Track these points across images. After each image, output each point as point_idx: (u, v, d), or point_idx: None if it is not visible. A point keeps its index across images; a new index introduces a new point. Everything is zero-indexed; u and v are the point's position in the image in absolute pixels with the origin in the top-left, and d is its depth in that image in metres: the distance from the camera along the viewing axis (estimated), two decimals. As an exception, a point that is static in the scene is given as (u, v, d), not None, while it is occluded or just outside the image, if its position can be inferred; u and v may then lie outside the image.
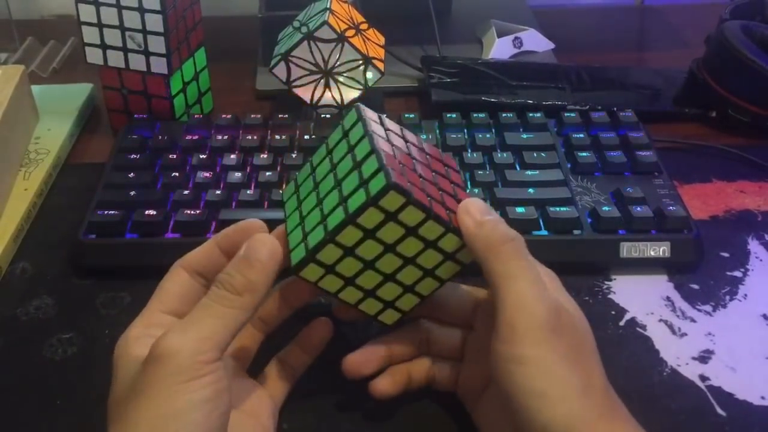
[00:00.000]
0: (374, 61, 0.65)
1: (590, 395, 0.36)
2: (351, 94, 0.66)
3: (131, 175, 0.58)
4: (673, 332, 0.50)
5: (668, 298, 0.53)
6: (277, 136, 0.62)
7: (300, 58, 0.64)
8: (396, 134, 0.42)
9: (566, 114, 0.64)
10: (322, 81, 0.66)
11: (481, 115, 0.64)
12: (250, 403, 0.41)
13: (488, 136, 0.62)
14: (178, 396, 0.34)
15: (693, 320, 0.51)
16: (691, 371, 0.48)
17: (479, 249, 0.38)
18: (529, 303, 0.36)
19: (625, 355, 0.48)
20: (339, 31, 0.63)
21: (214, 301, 0.36)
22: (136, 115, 0.66)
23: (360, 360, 0.43)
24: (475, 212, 0.39)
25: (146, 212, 0.54)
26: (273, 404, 0.42)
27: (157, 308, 0.39)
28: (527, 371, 0.35)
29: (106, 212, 0.55)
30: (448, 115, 0.64)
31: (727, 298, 0.53)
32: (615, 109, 0.65)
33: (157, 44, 0.63)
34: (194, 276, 0.40)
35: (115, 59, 0.65)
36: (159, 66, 0.64)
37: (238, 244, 0.40)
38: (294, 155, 0.60)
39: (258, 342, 0.44)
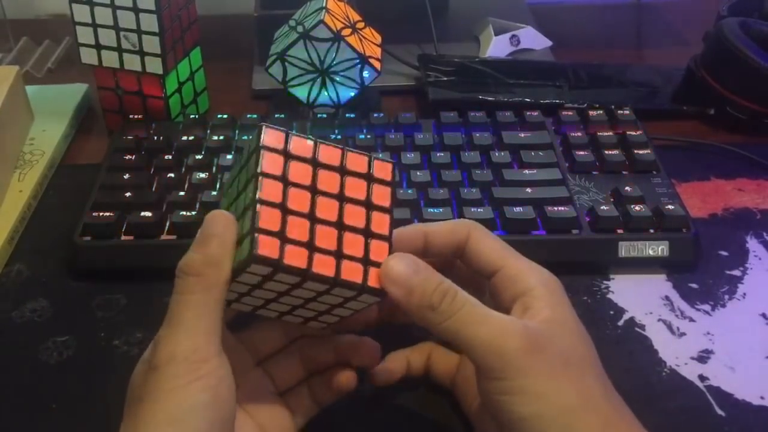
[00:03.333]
0: (371, 60, 0.64)
1: (589, 406, 0.36)
2: (347, 93, 0.66)
3: (126, 176, 0.58)
4: (672, 332, 0.50)
5: (667, 298, 0.53)
6: (274, 136, 0.62)
7: (296, 58, 0.64)
8: (302, 160, 0.37)
9: (564, 112, 0.64)
10: (319, 80, 0.65)
11: (479, 113, 0.64)
12: (267, 417, 0.41)
13: (486, 135, 0.62)
14: (178, 401, 0.33)
15: (692, 320, 0.51)
16: (690, 371, 0.47)
17: (418, 317, 0.37)
18: (494, 343, 0.35)
19: (624, 355, 0.48)
20: (335, 30, 0.62)
21: (180, 292, 0.35)
22: (131, 116, 0.66)
23: (387, 369, 0.43)
24: (398, 278, 0.36)
25: (142, 214, 0.54)
26: (292, 424, 0.42)
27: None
28: (517, 399, 0.35)
29: (101, 214, 0.54)
30: (446, 114, 0.64)
31: (726, 297, 0.53)
32: (613, 107, 0.65)
33: (152, 44, 0.62)
34: None
35: (110, 59, 0.64)
36: (154, 66, 0.63)
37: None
38: (290, 155, 0.60)
39: (312, 411, 0.43)
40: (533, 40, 0.80)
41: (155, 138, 0.62)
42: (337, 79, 0.65)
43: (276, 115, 0.64)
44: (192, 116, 0.64)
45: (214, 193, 0.56)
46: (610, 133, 0.62)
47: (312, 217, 0.36)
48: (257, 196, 0.35)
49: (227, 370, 0.35)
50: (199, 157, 0.60)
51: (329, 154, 0.37)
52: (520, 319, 0.37)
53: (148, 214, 0.54)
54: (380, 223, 0.37)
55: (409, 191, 0.56)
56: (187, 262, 0.36)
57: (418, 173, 0.58)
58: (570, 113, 0.64)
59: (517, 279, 0.39)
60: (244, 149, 0.39)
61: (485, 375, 0.36)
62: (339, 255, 0.36)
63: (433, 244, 0.41)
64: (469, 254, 0.41)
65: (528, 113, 0.64)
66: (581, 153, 0.60)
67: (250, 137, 0.38)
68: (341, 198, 0.37)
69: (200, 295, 0.35)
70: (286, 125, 0.63)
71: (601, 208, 0.54)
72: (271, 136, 0.37)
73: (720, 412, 0.45)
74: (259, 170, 0.35)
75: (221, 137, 0.62)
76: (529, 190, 0.56)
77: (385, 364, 0.44)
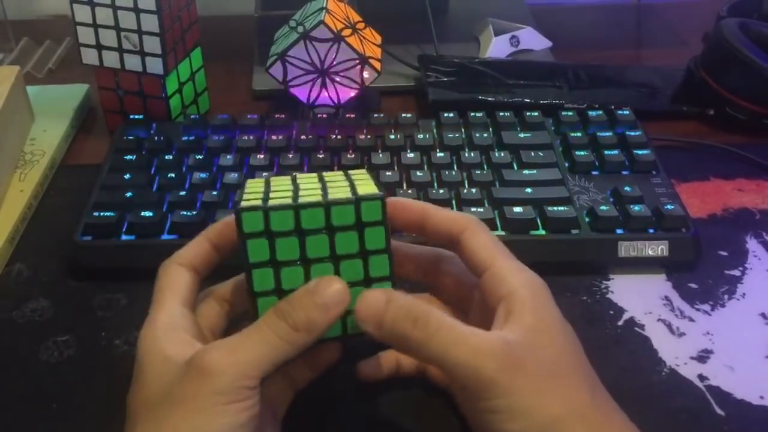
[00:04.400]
0: (371, 61, 0.65)
1: (575, 416, 0.35)
2: (348, 93, 0.66)
3: (127, 176, 0.58)
4: (672, 332, 0.50)
5: (667, 298, 0.53)
6: (274, 136, 0.62)
7: (296, 58, 0.64)
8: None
9: (564, 113, 0.64)
10: (319, 80, 0.66)
11: (479, 114, 0.64)
12: (263, 420, 0.41)
13: (485, 135, 0.62)
14: (216, 417, 0.34)
15: (691, 319, 0.51)
16: (689, 371, 0.47)
17: (395, 346, 0.37)
18: (471, 366, 0.35)
19: (624, 354, 0.48)
20: (335, 31, 0.63)
21: (269, 327, 0.36)
22: (131, 116, 0.66)
23: (373, 366, 0.44)
24: (366, 314, 0.37)
25: (142, 213, 0.54)
26: (275, 414, 0.42)
27: (174, 301, 0.39)
28: (501, 417, 0.35)
29: (102, 213, 0.54)
30: (446, 114, 0.64)
31: (726, 297, 0.53)
32: (612, 107, 0.65)
33: (153, 44, 0.62)
34: (192, 272, 0.40)
35: (111, 60, 0.64)
36: (155, 66, 0.64)
37: (230, 240, 0.40)
38: (291, 155, 0.60)
39: (289, 399, 0.43)
40: (533, 40, 0.80)
41: (156, 138, 0.62)
42: (338, 79, 0.65)
43: (276, 116, 0.64)
44: (192, 116, 0.64)
45: (215, 193, 0.56)
46: (610, 134, 0.62)
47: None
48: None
49: (259, 400, 0.36)
50: (199, 157, 0.60)
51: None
52: (501, 332, 0.37)
53: (149, 213, 0.54)
54: (380, 265, 0.38)
55: (410, 191, 0.56)
56: (292, 313, 0.36)
57: (418, 173, 0.58)
58: (570, 113, 0.64)
59: (503, 280, 0.39)
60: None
61: (468, 396, 0.36)
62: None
63: (428, 226, 0.41)
64: (462, 248, 0.41)
65: (528, 113, 0.64)
66: (581, 153, 0.60)
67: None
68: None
69: (282, 343, 0.36)
70: (287, 126, 0.63)
71: (601, 208, 0.54)
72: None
73: (720, 411, 0.45)
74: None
75: (222, 137, 0.62)
76: (528, 190, 0.56)
77: (373, 358, 0.44)
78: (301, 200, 0.37)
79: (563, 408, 0.35)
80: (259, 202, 0.37)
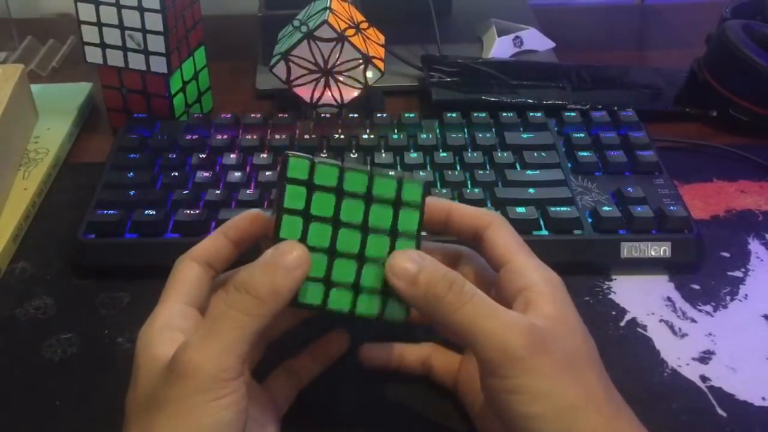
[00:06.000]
0: (374, 60, 0.65)
1: (591, 406, 0.36)
2: (351, 93, 0.66)
3: (131, 174, 0.58)
4: (674, 333, 0.50)
5: (669, 299, 0.53)
6: (277, 136, 0.62)
7: (300, 58, 0.64)
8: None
9: (567, 113, 0.64)
10: (322, 80, 0.66)
11: (482, 114, 0.64)
12: (256, 410, 0.41)
13: (488, 135, 0.62)
14: (201, 417, 0.33)
15: (694, 320, 0.51)
16: (691, 372, 0.47)
17: (425, 310, 0.37)
18: (500, 339, 0.35)
19: (626, 355, 0.48)
20: (339, 30, 0.63)
21: (233, 307, 0.35)
22: (135, 115, 0.66)
23: (376, 351, 0.44)
24: (400, 270, 0.36)
25: (146, 212, 0.54)
26: (277, 412, 0.42)
27: (176, 299, 0.38)
28: (520, 398, 0.35)
29: (105, 212, 0.54)
30: (449, 115, 0.64)
31: (728, 298, 0.53)
32: (616, 108, 0.65)
33: (157, 43, 0.62)
34: (205, 268, 0.40)
35: (115, 58, 0.65)
36: (158, 65, 0.64)
37: (248, 235, 0.40)
38: (294, 155, 0.60)
39: (292, 396, 0.43)
40: (536, 41, 0.80)
41: (159, 137, 0.62)
42: (341, 79, 0.65)
43: (279, 115, 0.64)
44: (196, 115, 0.64)
45: (218, 191, 0.56)
46: (613, 135, 0.62)
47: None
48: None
49: (245, 385, 0.35)
50: (202, 156, 0.60)
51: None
52: (526, 316, 0.37)
53: (152, 212, 0.54)
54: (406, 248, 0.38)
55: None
56: (253, 282, 0.35)
57: (421, 173, 0.58)
58: (573, 114, 0.64)
59: (521, 274, 0.39)
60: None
61: (489, 372, 0.36)
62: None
63: (453, 222, 0.42)
64: (485, 243, 0.41)
65: (531, 114, 0.64)
66: (584, 154, 0.60)
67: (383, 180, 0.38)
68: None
69: (250, 319, 0.35)
70: (290, 125, 0.63)
71: (604, 208, 0.54)
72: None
73: (722, 412, 0.45)
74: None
75: (225, 136, 0.62)
76: (531, 190, 0.56)
77: (378, 344, 0.44)
78: (347, 164, 0.37)
79: (581, 397, 0.36)
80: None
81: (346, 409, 0.45)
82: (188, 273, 0.40)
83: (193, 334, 0.35)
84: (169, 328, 0.37)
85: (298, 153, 0.37)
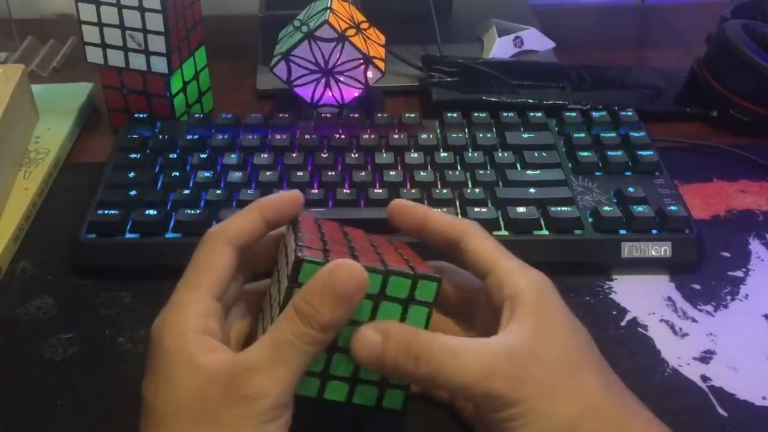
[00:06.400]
0: (375, 61, 0.65)
1: (590, 414, 0.36)
2: (351, 93, 0.66)
3: (131, 174, 0.58)
4: (675, 332, 0.50)
5: (669, 298, 0.53)
6: (278, 136, 0.62)
7: (300, 58, 0.64)
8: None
9: (567, 113, 0.64)
10: (323, 80, 0.66)
11: (482, 114, 0.64)
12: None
13: (489, 135, 0.62)
14: None
15: (694, 320, 0.51)
16: (692, 371, 0.47)
17: (395, 374, 0.37)
18: (481, 389, 0.35)
19: (627, 355, 0.48)
20: (339, 31, 0.63)
21: (297, 337, 0.35)
22: (136, 115, 0.66)
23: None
24: (364, 354, 0.36)
25: (146, 212, 0.54)
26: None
27: (207, 291, 0.38)
28: (516, 424, 0.35)
29: (106, 212, 0.55)
30: (449, 115, 0.64)
31: (729, 298, 0.53)
32: (616, 108, 0.65)
33: (158, 43, 0.62)
34: (238, 253, 0.39)
35: (116, 58, 0.65)
36: (159, 65, 0.64)
37: (285, 216, 0.40)
38: (294, 155, 0.60)
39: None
40: (536, 41, 0.80)
41: (160, 137, 0.62)
42: (341, 79, 0.65)
43: (280, 115, 0.64)
44: (197, 115, 0.64)
45: (219, 191, 0.56)
46: (613, 134, 0.62)
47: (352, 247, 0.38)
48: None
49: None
50: (203, 156, 0.60)
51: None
52: (506, 340, 0.36)
53: (153, 212, 0.54)
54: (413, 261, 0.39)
55: (413, 191, 0.56)
56: (316, 316, 0.34)
57: (421, 173, 0.58)
58: (573, 114, 0.64)
59: (507, 281, 0.39)
60: None
61: (479, 409, 0.37)
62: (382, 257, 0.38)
63: (429, 229, 0.42)
64: (466, 254, 0.41)
65: (531, 114, 0.64)
66: (584, 154, 0.60)
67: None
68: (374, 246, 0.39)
69: (312, 349, 0.35)
70: (290, 125, 0.63)
71: (604, 208, 0.54)
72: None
73: (722, 412, 0.45)
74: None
75: (226, 136, 0.62)
76: (532, 190, 0.56)
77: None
78: (362, 262, 0.36)
79: (577, 407, 0.35)
80: (320, 254, 0.36)
81: (343, 414, 0.45)
82: (222, 259, 0.39)
83: (252, 354, 0.35)
84: (204, 331, 0.36)
85: (312, 258, 0.36)
